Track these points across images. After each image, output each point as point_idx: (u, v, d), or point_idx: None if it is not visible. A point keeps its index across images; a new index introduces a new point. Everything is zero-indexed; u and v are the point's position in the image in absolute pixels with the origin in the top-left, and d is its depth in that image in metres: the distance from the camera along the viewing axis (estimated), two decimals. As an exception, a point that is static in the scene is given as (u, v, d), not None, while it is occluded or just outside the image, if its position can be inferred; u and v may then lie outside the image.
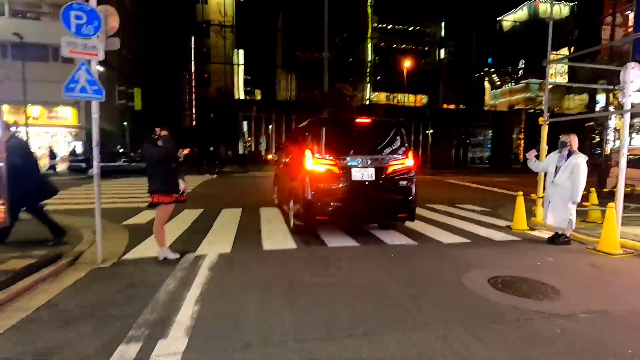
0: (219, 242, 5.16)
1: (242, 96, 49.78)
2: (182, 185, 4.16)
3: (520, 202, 6.23)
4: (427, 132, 32.28)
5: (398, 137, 5.43)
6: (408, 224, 6.10)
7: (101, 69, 21.82)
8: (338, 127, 5.55)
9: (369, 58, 49.76)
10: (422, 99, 49.56)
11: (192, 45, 50.39)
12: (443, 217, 7.39)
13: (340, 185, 4.99)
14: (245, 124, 37.33)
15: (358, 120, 5.53)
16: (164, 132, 4.06)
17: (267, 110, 36.04)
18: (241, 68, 55.09)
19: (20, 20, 22.21)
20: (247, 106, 36.93)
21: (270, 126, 33.34)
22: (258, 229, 6.10)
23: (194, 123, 49.37)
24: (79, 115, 23.53)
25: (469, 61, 54.87)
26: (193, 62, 50.27)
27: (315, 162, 4.99)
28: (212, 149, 16.05)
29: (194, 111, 51.07)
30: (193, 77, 50.52)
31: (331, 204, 5.00)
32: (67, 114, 23.38)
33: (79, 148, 23.76)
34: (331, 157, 5.01)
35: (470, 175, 23.06)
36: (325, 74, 19.52)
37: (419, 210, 7.35)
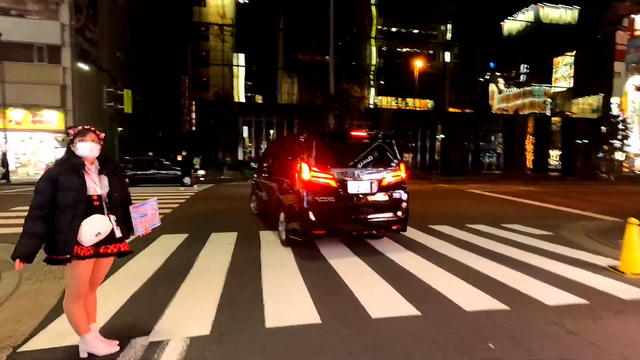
0: (195, 306, 3.23)
1: (242, 100, 48.21)
2: (104, 230, 2.37)
3: (634, 233, 4.33)
4: (437, 137, 30.68)
5: (391, 150, 5.48)
6: (476, 263, 4.69)
7: (85, 67, 20.37)
8: (333, 139, 5.65)
9: (373, 61, 48.34)
10: (427, 103, 48.01)
11: (190, 49, 49.00)
12: (500, 246, 5.66)
13: (337, 198, 4.95)
14: (245, 129, 35.76)
15: (354, 133, 5.70)
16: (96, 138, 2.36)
17: (268, 115, 34.51)
18: (241, 72, 53.69)
19: (2, 17, 20.66)
20: (247, 110, 35.43)
21: (271, 131, 31.75)
22: (258, 269, 4.37)
23: (193, 128, 47.85)
24: (66, 119, 21.89)
25: (474, 64, 53.54)
26: (191, 66, 48.84)
27: (313, 176, 4.91)
28: (184, 154, 14.26)
29: (193, 116, 49.59)
30: (191, 81, 49.08)
31: (328, 218, 4.97)
32: (53, 118, 21.75)
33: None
34: (328, 170, 4.95)
35: (488, 183, 21.34)
36: (332, 71, 17.95)
37: (462, 234, 6.52)
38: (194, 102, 48.61)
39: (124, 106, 20.28)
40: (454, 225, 7.28)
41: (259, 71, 54.31)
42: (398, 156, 5.51)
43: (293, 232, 5.18)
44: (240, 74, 53.89)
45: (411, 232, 6.55)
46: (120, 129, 25.00)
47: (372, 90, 44.64)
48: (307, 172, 4.90)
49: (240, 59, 52.10)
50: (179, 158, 12.96)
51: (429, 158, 34.95)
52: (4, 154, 18.74)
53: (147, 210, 2.52)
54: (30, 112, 21.36)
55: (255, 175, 8.33)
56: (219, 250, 5.17)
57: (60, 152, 22.32)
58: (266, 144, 28.79)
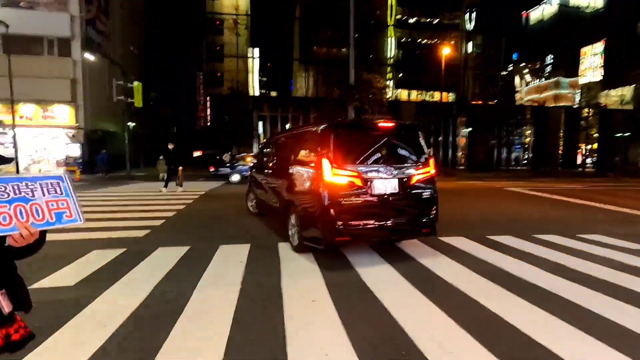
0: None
1: (257, 95, 47.23)
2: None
3: None
4: (460, 131, 28.86)
5: (420, 143, 4.86)
6: (573, 294, 3.28)
7: (92, 57, 19.58)
8: (357, 131, 4.84)
9: (392, 53, 46.52)
10: (448, 96, 45.87)
11: (204, 44, 48.28)
12: (596, 268, 4.28)
13: (362, 200, 4.35)
14: (260, 124, 34.79)
15: (381, 124, 4.78)
16: None
17: (283, 109, 33.39)
18: (256, 66, 52.76)
19: (12, 9, 20.08)
20: (262, 104, 34.34)
21: (287, 125, 30.61)
22: (278, 304, 3.15)
23: (208, 124, 47.21)
24: (77, 114, 21.26)
25: (498, 55, 51.00)
26: (205, 61, 48.13)
27: (336, 174, 4.25)
28: (171, 147, 11.74)
29: (207, 112, 48.97)
30: (205, 77, 48.39)
31: (353, 222, 4.32)
32: (64, 113, 21.13)
33: (77, 151, 21.52)
34: (353, 168, 4.32)
35: (520, 179, 19.59)
36: (351, 60, 16.57)
37: (533, 248, 5.14)
38: (208, 98, 48.00)
39: (134, 100, 19.40)
40: (516, 234, 5.90)
41: (274, 65, 53.24)
42: (426, 150, 4.88)
43: (311, 240, 4.52)
44: (254, 68, 52.93)
45: (465, 244, 5.24)
46: (131, 124, 24.30)
47: (391, 83, 42.89)
48: (328, 169, 4.21)
49: (255, 53, 51.13)
50: (170, 147, 11.52)
51: (451, 153, 33.20)
52: None
53: (28, 190, 1.24)
54: (41, 107, 20.80)
55: (254, 171, 7.63)
56: (226, 272, 3.95)
57: (72, 149, 21.76)
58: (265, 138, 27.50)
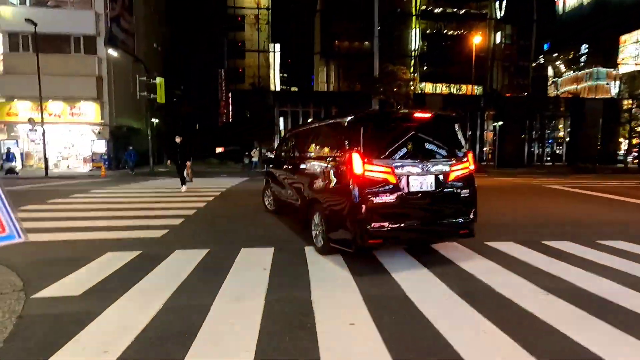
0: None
1: (278, 90, 46.99)
2: None
3: None
4: (488, 124, 27.44)
5: (457, 135, 4.42)
6: None
7: (115, 53, 19.67)
8: (390, 123, 4.39)
9: (416, 45, 45.09)
10: (475, 89, 44.05)
11: (226, 40, 48.43)
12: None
13: (396, 198, 3.89)
14: (281, 119, 34.55)
15: (416, 114, 4.32)
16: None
17: (304, 104, 32.93)
18: (277, 62, 52.55)
19: (40, 8, 20.50)
20: (283, 100, 34.00)
21: (309, 120, 30.17)
22: (308, 322, 2.65)
23: (230, 120, 47.45)
24: (102, 111, 21.56)
25: (529, 45, 48.54)
26: (227, 58, 48.30)
27: (367, 170, 3.83)
28: (178, 141, 10.88)
29: (229, 108, 49.24)
30: (227, 73, 48.59)
31: (387, 223, 3.86)
32: (90, 110, 21.48)
33: (102, 147, 21.85)
34: (385, 163, 3.90)
35: (557, 176, 18.32)
36: (376, 51, 15.85)
37: (601, 257, 4.41)
38: (230, 94, 48.21)
39: (157, 96, 19.43)
40: (575, 239, 5.15)
41: (295, 60, 52.80)
42: (464, 143, 4.46)
43: (339, 242, 4.15)
44: (275, 63, 52.75)
45: (516, 250, 4.58)
46: (155, 120, 24.49)
47: (416, 76, 41.61)
48: (359, 164, 3.83)
49: (276, 48, 50.90)
50: (178, 141, 10.81)
51: (479, 148, 31.82)
52: (8, 149, 18.52)
53: None
54: (68, 104, 21.20)
55: (271, 166, 7.27)
56: (248, 283, 3.47)
57: (98, 145, 22.11)
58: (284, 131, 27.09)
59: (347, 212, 3.94)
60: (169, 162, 12.10)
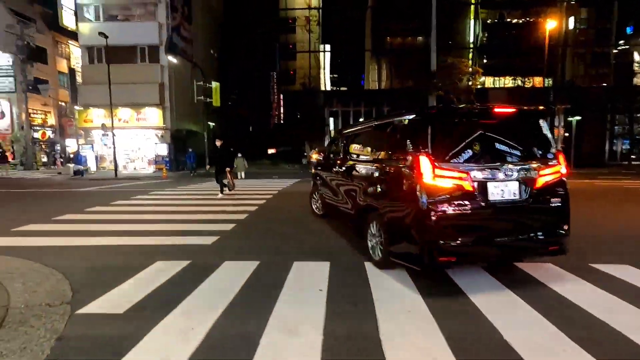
0: None
1: (328, 90, 46.81)
2: None
3: None
4: (570, 119, 24.50)
5: (545, 133, 3.68)
6: None
7: (175, 60, 20.60)
8: (465, 120, 3.65)
9: (475, 37, 42.22)
10: (544, 81, 40.10)
11: (277, 43, 49.36)
12: None
13: (473, 208, 3.28)
14: (331, 120, 34.25)
15: (496, 109, 3.63)
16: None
17: (355, 104, 32.30)
18: (327, 62, 52.47)
19: (111, 23, 22.23)
20: (333, 100, 33.67)
21: (360, 120, 29.46)
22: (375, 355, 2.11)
23: (281, 121, 48.31)
24: (164, 115, 22.82)
25: (608, 29, 43.06)
26: (278, 60, 49.20)
27: (438, 175, 3.26)
28: (218, 144, 10.03)
29: (280, 110, 50.15)
30: (279, 75, 49.50)
31: (462, 237, 3.27)
32: (154, 115, 22.84)
33: (164, 150, 23.11)
34: (460, 167, 3.30)
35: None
36: (433, 42, 14.72)
37: None
38: (281, 96, 49.06)
39: (212, 99, 20.06)
40: None
41: (345, 59, 52.24)
42: (554, 143, 3.76)
43: (402, 257, 3.66)
44: (325, 64, 52.70)
45: (631, 274, 3.59)
46: (211, 123, 25.43)
47: (479, 68, 38.91)
48: (428, 169, 3.30)
49: (326, 48, 50.83)
50: (218, 144, 10.10)
51: (550, 146, 28.71)
52: (77, 152, 20.03)
53: None
54: (135, 110, 22.73)
55: (319, 169, 6.91)
56: (303, 308, 2.97)
57: (161, 148, 23.46)
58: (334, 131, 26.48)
59: (413, 223, 3.43)
60: (207, 167, 12.02)
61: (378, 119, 4.86)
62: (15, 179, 18.32)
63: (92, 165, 22.10)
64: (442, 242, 3.26)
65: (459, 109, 4.28)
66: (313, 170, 7.75)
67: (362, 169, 4.71)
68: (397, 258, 3.72)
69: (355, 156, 5.19)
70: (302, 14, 49.66)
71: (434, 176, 3.28)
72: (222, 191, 9.88)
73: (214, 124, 27.40)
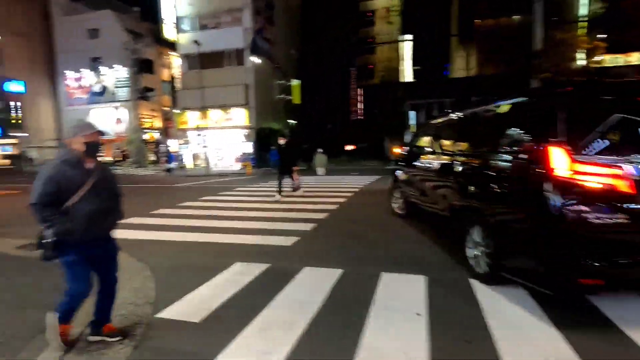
0: None
1: (409, 82, 44.65)
2: None
3: None
4: None
5: None
6: None
7: (258, 61, 21.35)
8: (611, 98, 2.72)
9: (585, 10, 35.99)
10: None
11: (356, 37, 48.64)
12: None
13: (630, 216, 2.44)
14: (412, 113, 32.50)
15: None
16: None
17: (439, 94, 30.14)
18: (407, 54, 50.10)
19: (202, 32, 24.09)
20: (415, 92, 31.92)
21: (445, 111, 27.32)
22: None
23: (361, 117, 47.70)
24: (250, 115, 24.00)
25: None
26: (357, 54, 48.50)
27: (576, 171, 2.48)
28: (282, 143, 9.08)
29: (359, 105, 49.51)
30: (357, 70, 48.83)
31: (613, 254, 2.47)
32: (240, 115, 24.18)
33: (250, 148, 24.33)
34: (608, 161, 2.48)
35: None
36: (538, 16, 12.52)
37: None
38: (360, 91, 48.37)
39: (292, 97, 20.40)
40: None
41: (427, 49, 49.25)
42: None
43: (520, 274, 2.93)
44: (406, 55, 50.39)
45: None
46: (291, 121, 26.04)
47: (600, 43, 33.11)
48: (563, 163, 2.53)
49: (407, 38, 48.50)
50: (280, 142, 9.23)
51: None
52: (168, 151, 21.91)
53: None
54: (224, 111, 24.35)
55: (401, 164, 6.38)
56: (398, 338, 2.38)
57: (246, 146, 24.79)
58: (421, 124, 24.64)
59: (538, 232, 2.70)
60: (316, 158, 11.58)
61: (481, 104, 4.08)
62: (128, 175, 21.08)
63: (188, 163, 24.35)
64: (584, 259, 2.45)
65: (609, 83, 3.25)
66: (394, 166, 7.20)
67: (458, 164, 4.01)
68: (513, 275, 2.99)
69: (448, 150, 4.50)
70: (381, 5, 48.16)
71: (573, 172, 2.51)
72: (280, 192, 8.79)
73: (294, 121, 28.04)
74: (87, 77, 30.40)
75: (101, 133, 2.26)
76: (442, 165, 4.49)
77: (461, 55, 42.35)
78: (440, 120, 5.35)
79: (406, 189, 6.07)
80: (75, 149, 2.16)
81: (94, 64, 29.80)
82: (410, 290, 3.16)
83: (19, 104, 30.60)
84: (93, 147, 2.20)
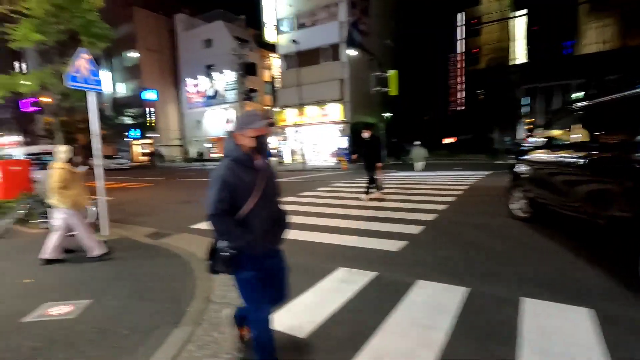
0: None
1: (523, 63, 39.21)
2: None
3: None
4: None
5: None
6: None
7: (355, 53, 20.89)
8: None
9: None
10: None
11: (457, 21, 44.55)
12: None
13: None
14: (528, 99, 28.45)
15: None
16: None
17: (562, 75, 25.71)
18: (521, 31, 43.98)
19: (300, 30, 24.76)
20: (530, 73, 27.81)
21: (574, 95, 23.16)
22: None
23: (462, 108, 43.78)
24: (345, 110, 23.90)
25: None
26: (459, 38, 44.44)
27: None
28: (366, 136, 8.00)
29: (460, 95, 45.48)
30: (460, 56, 44.79)
31: None
32: (335, 111, 24.26)
33: (345, 143, 24.29)
34: None
35: None
36: None
37: None
38: (461, 79, 44.38)
39: (388, 89, 19.52)
40: None
41: (545, 24, 42.39)
42: None
43: None
44: (518, 34, 44.28)
45: None
46: (387, 114, 25.10)
47: None
48: None
49: (520, 14, 42.52)
50: (365, 135, 8.17)
51: None
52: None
53: None
54: (319, 107, 24.75)
55: (527, 159, 5.37)
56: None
57: (341, 141, 24.81)
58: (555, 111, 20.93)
59: None
60: (354, 156, 10.42)
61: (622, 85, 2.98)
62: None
63: (287, 158, 25.51)
64: None
65: None
66: (513, 160, 6.07)
67: (627, 159, 2.98)
68: None
69: (607, 141, 3.46)
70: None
71: None
72: (367, 192, 8.00)
73: (391, 114, 27.02)
74: (203, 82, 34.39)
75: (272, 124, 1.93)
76: (598, 160, 3.44)
77: (593, 26, 35.43)
78: (592, 101, 4.17)
79: (533, 188, 5.05)
80: (244, 144, 1.84)
81: (208, 70, 33.49)
82: (572, 328, 2.37)
83: (152, 109, 36.32)
84: (263, 142, 1.88)
